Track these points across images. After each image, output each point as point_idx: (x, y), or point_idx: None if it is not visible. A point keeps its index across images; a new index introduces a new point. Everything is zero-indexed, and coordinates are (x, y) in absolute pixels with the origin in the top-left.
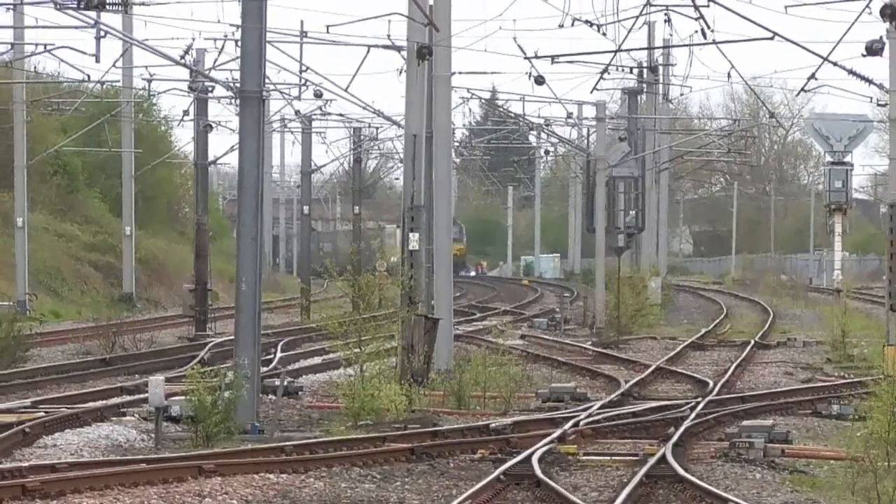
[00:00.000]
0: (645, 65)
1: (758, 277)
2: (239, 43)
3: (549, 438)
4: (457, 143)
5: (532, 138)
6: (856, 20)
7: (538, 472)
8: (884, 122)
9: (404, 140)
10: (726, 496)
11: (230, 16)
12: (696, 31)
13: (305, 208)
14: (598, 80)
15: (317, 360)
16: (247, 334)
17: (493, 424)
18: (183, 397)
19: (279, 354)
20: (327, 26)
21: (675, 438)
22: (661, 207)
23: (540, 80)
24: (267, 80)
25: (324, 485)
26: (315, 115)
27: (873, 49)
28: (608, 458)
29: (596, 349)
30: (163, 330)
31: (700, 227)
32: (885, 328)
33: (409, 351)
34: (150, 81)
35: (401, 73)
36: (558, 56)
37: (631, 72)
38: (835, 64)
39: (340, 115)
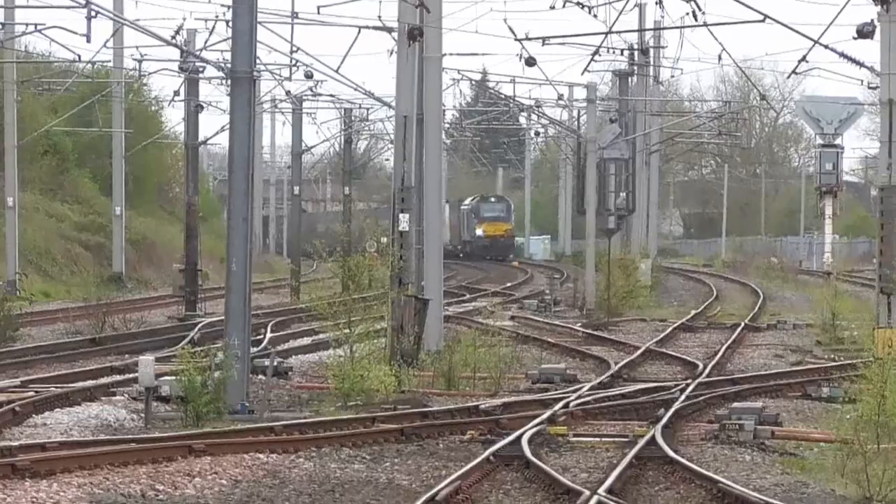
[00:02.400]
0: (636, 47)
1: (748, 260)
2: (230, 23)
3: (538, 420)
4: (447, 125)
5: (522, 120)
6: (847, 3)
7: (528, 453)
8: (874, 104)
9: (395, 121)
10: (716, 478)
11: None
12: (687, 14)
13: (296, 189)
14: (590, 61)
15: (306, 340)
16: (237, 315)
17: (483, 405)
18: (173, 377)
19: (269, 335)
20: (318, 7)
21: (664, 420)
22: (652, 189)
23: (531, 62)
24: (258, 61)
25: (313, 465)
26: (306, 95)
27: (864, 32)
28: (598, 439)
29: (586, 331)
30: (153, 310)
31: (690, 209)
32: (874, 311)
33: (399, 332)
34: (140, 62)
35: (391, 54)
36: (549, 38)
37: (622, 54)
38: (826, 47)
39: (331, 96)
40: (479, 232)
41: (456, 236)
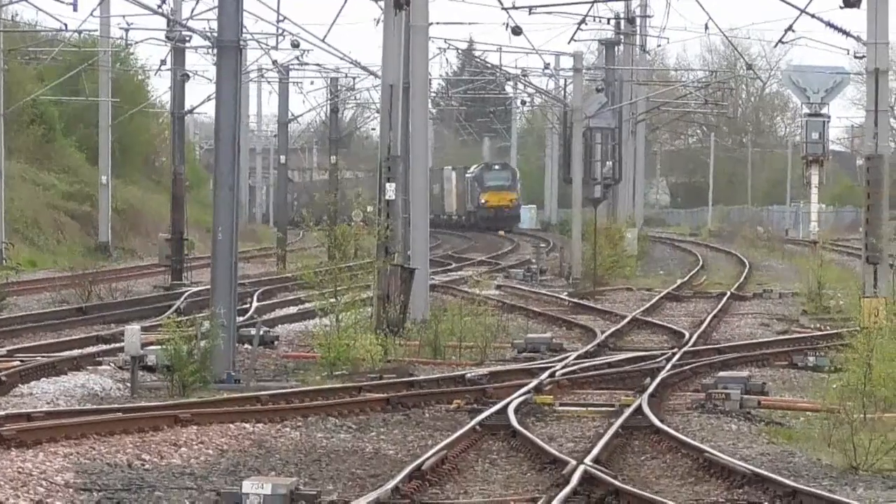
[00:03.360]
0: (622, 16)
1: (734, 229)
2: None
3: (524, 389)
4: (433, 94)
5: (509, 89)
6: None
7: (514, 422)
8: (861, 74)
9: (381, 90)
10: (702, 447)
11: None
12: None
13: (282, 158)
14: (576, 31)
15: (293, 309)
16: (223, 284)
17: (469, 375)
18: (159, 346)
19: (255, 304)
20: None
21: (650, 389)
22: (638, 159)
23: (517, 31)
24: (244, 30)
25: (299, 434)
26: (292, 65)
27: (851, 1)
28: (584, 408)
29: (572, 300)
30: (139, 279)
31: (677, 178)
32: (861, 280)
33: (385, 301)
34: (127, 31)
35: (378, 23)
36: (536, 7)
37: (608, 23)
38: (812, 16)
39: (317, 65)
40: (482, 201)
41: (462, 206)
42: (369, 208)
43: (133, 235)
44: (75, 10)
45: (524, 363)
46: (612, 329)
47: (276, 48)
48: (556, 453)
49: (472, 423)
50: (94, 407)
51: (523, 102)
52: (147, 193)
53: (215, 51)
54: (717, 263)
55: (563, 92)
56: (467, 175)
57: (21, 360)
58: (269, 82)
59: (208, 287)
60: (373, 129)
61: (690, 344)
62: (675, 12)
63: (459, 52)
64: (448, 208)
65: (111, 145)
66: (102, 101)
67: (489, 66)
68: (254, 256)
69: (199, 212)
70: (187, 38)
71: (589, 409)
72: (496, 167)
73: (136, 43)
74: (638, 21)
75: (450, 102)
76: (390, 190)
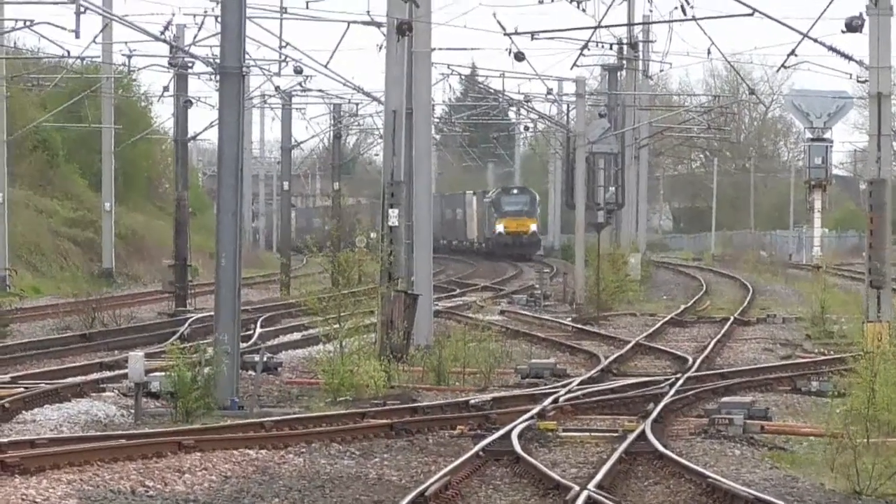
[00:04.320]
0: (625, 41)
1: (737, 254)
2: (219, 19)
3: (528, 415)
4: (437, 119)
5: (512, 114)
6: None
7: (517, 448)
8: (863, 98)
9: (384, 116)
10: (705, 472)
11: None
12: (676, 7)
13: (285, 184)
14: (578, 56)
15: (296, 335)
16: (227, 310)
17: (473, 400)
18: (163, 373)
19: (259, 330)
20: (307, 2)
21: (654, 415)
22: (641, 183)
23: (520, 57)
24: (247, 56)
25: (303, 461)
26: (295, 91)
27: (853, 25)
28: (588, 434)
29: (575, 325)
30: (143, 305)
31: (680, 203)
32: (864, 304)
33: (389, 327)
34: (129, 57)
35: (381, 49)
36: (538, 32)
37: (611, 48)
38: (815, 40)
39: (320, 91)
40: (498, 228)
41: (481, 232)
42: (373, 234)
43: (136, 261)
44: (78, 36)
45: (528, 389)
46: (616, 354)
47: (278, 74)
48: (560, 479)
49: (476, 448)
50: (98, 433)
51: (526, 128)
52: (150, 219)
53: (218, 77)
54: (720, 288)
55: (565, 117)
56: (485, 199)
57: (25, 387)
58: (271, 108)
59: (212, 313)
60: (376, 154)
61: (694, 369)
62: (677, 37)
63: (462, 77)
64: (470, 234)
65: (114, 171)
66: (105, 127)
67: (492, 91)
68: (257, 282)
69: (203, 238)
70: (190, 65)
71: (592, 434)
72: (514, 191)
73: (139, 69)
74: (640, 46)
75: (453, 128)
76: (393, 216)
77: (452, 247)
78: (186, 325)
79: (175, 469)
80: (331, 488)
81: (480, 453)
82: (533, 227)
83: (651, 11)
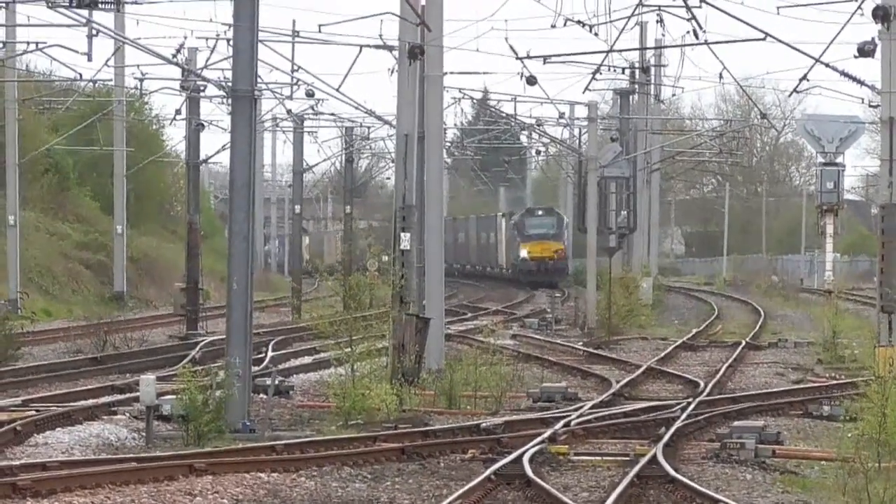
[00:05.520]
0: (637, 65)
1: (749, 278)
2: (231, 42)
3: (539, 438)
4: (448, 143)
5: (524, 138)
6: (847, 21)
7: (529, 472)
8: (875, 123)
9: (396, 139)
10: (717, 497)
11: (222, 15)
12: (688, 32)
13: (297, 208)
14: (590, 80)
15: (308, 359)
16: (238, 333)
17: (484, 424)
18: (174, 396)
19: (270, 353)
20: (319, 26)
21: (665, 439)
22: (653, 208)
23: (532, 81)
24: (259, 80)
25: (314, 484)
26: (307, 114)
27: (865, 50)
28: (599, 458)
29: (587, 349)
30: (154, 329)
31: (691, 227)
32: (875, 329)
33: (400, 350)
34: (141, 80)
35: (392, 72)
36: (550, 56)
37: (623, 72)
38: (826, 65)
39: (332, 114)
40: (522, 253)
41: (508, 257)
42: (385, 258)
43: (148, 285)
44: (90, 59)
45: (539, 412)
46: (627, 378)
47: (290, 98)
48: (571, 503)
49: (488, 472)
50: (109, 457)
51: (538, 152)
52: (162, 243)
53: (230, 100)
54: (731, 312)
55: (577, 141)
56: (510, 221)
57: (36, 410)
58: (283, 132)
59: (223, 337)
60: (387, 178)
61: (705, 393)
62: (689, 62)
63: (474, 101)
64: (500, 260)
65: (126, 194)
66: (117, 150)
67: (504, 115)
68: (269, 306)
69: (214, 261)
70: (202, 88)
71: (604, 458)
72: (539, 213)
73: (151, 92)
74: (652, 70)
75: (465, 152)
76: (405, 239)
77: (487, 273)
78: (198, 348)
79: (186, 492)
80: None
81: (492, 477)
82: (560, 251)
83: (663, 36)
